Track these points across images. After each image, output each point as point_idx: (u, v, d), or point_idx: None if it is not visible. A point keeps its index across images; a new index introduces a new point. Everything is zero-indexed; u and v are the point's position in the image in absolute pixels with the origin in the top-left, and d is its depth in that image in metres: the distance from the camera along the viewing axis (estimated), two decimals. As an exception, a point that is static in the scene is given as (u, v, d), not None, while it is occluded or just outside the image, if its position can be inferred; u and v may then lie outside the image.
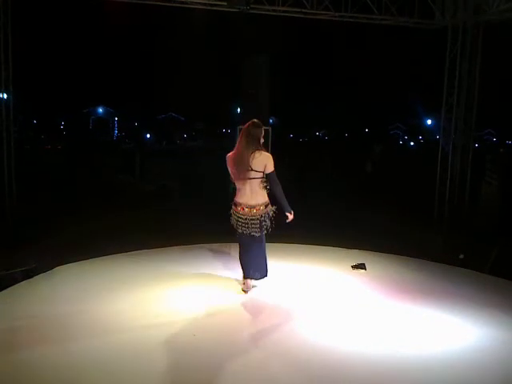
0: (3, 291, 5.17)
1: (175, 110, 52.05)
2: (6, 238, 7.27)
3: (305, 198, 10.74)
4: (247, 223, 5.16)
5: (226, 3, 8.68)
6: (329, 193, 12.71)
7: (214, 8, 8.99)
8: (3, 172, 7.97)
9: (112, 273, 5.97)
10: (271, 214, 5.20)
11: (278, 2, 8.90)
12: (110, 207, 10.14)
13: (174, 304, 5.02)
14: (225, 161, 5.24)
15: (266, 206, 5.19)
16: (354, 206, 11.06)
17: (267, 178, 5.14)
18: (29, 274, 5.60)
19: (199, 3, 8.85)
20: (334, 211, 10.44)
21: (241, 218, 5.17)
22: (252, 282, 5.49)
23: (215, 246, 7.30)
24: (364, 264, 6.45)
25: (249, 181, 5.10)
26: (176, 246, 7.33)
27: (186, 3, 8.82)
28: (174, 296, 5.25)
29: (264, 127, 5.40)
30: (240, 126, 7.16)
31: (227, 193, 7.08)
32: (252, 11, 8.83)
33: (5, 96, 8.13)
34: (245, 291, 5.43)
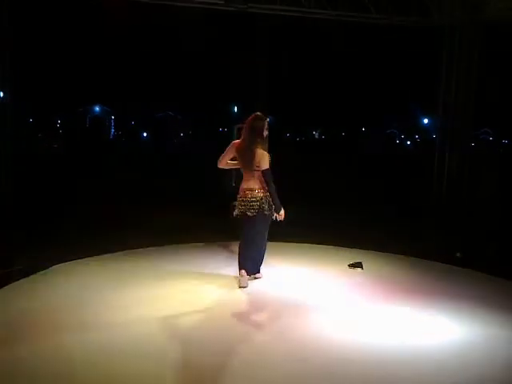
0: (1, 289, 5.16)
1: (172, 108, 52.05)
2: (3, 235, 7.25)
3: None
4: (246, 204, 5.33)
5: (223, 2, 8.67)
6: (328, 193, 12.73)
7: (212, 7, 8.98)
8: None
9: (111, 271, 5.96)
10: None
11: (275, 0, 8.89)
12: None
13: (173, 303, 5.02)
14: (227, 145, 5.47)
15: (265, 192, 5.33)
16: (352, 205, 11.08)
17: (263, 175, 5.27)
18: (26, 273, 5.60)
19: (197, 2, 8.84)
20: (334, 211, 10.44)
21: (243, 201, 5.36)
22: (247, 277, 5.52)
23: (217, 244, 7.32)
24: (361, 263, 6.45)
25: (251, 172, 5.35)
26: (175, 244, 7.35)
27: (185, 2, 8.80)
28: (174, 294, 5.26)
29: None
30: (237, 126, 7.17)
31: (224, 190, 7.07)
32: (250, 10, 8.83)
33: (1, 94, 8.11)
34: (242, 286, 5.44)
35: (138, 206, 10.32)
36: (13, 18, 8.20)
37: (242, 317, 4.72)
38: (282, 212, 5.37)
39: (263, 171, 5.25)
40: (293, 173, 14.12)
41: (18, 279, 5.47)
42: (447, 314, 4.86)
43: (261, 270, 5.75)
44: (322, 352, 3.99)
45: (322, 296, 5.36)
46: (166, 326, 4.38)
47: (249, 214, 5.31)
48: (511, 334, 4.47)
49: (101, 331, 4.21)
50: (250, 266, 5.55)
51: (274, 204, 5.32)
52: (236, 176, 6.17)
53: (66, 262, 6.18)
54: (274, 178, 5.32)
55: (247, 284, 5.48)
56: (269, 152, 5.37)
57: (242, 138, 5.40)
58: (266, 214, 5.34)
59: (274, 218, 5.39)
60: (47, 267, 5.91)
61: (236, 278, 5.63)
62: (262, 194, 5.31)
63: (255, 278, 5.69)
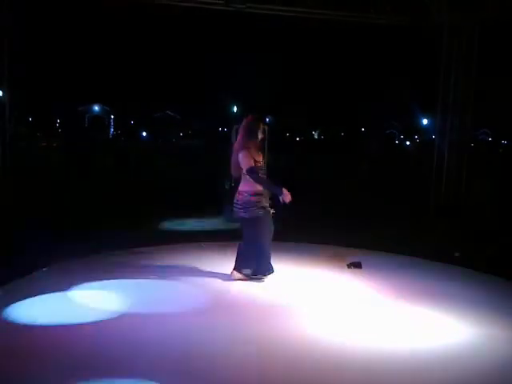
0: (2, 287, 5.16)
1: (171, 108, 52.11)
2: (3, 235, 7.25)
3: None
4: (241, 206, 5.34)
5: (222, 2, 8.68)
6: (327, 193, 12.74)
7: (211, 7, 8.98)
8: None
9: (111, 271, 5.96)
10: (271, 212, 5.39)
11: (274, 0, 8.89)
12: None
13: (171, 303, 5.03)
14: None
15: (255, 196, 5.29)
16: (352, 205, 11.08)
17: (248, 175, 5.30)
18: (26, 272, 5.60)
19: (197, 2, 8.85)
20: (333, 210, 10.45)
21: (236, 202, 5.38)
22: (240, 276, 5.56)
23: (217, 244, 7.32)
24: (360, 262, 6.45)
25: (242, 174, 5.36)
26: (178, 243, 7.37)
27: (184, 2, 8.81)
28: (172, 294, 5.27)
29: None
30: (236, 126, 7.17)
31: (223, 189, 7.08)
32: (248, 10, 8.83)
33: (0, 93, 8.11)
34: (238, 279, 5.52)
35: (138, 206, 10.33)
36: (12, 18, 8.20)
37: (239, 317, 4.71)
38: (285, 193, 5.24)
39: (246, 172, 5.25)
40: (293, 173, 14.13)
41: (18, 279, 5.47)
42: (447, 314, 4.86)
43: (265, 273, 5.62)
44: (321, 352, 3.99)
45: (321, 296, 5.36)
46: (162, 327, 4.35)
47: (243, 215, 5.32)
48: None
49: (101, 331, 4.21)
50: (248, 265, 5.53)
51: (272, 193, 5.30)
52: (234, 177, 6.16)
53: (66, 261, 6.18)
54: (274, 178, 5.32)
55: (245, 278, 5.52)
56: (268, 152, 5.38)
57: (236, 139, 5.42)
58: (260, 216, 5.32)
59: (281, 202, 5.29)
60: (47, 267, 5.91)
61: (233, 277, 5.63)
62: (254, 198, 5.28)
63: (255, 279, 5.67)
